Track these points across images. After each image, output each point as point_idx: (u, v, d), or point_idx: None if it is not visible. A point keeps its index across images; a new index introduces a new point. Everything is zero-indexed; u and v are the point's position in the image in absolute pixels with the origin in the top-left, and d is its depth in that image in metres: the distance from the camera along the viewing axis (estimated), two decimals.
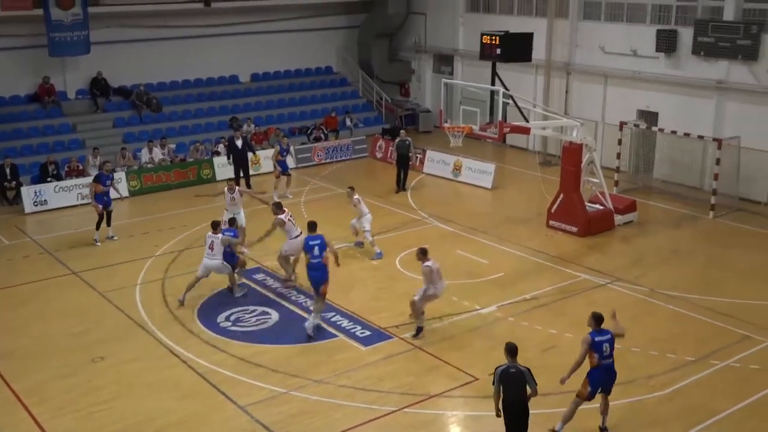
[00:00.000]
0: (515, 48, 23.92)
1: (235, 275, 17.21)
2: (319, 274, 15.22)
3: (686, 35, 24.48)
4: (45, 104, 27.85)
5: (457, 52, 32.81)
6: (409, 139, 25.76)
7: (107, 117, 28.76)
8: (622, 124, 24.70)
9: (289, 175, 24.55)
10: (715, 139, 22.50)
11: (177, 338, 15.17)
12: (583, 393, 11.64)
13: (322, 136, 30.09)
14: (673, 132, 23.71)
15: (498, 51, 23.45)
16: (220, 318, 16.03)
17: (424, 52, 34.73)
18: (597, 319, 11.70)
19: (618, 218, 21.45)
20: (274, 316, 16.19)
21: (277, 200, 18.97)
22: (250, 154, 25.46)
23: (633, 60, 26.21)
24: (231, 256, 16.98)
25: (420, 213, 22.79)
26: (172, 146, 27.08)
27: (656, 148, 25.28)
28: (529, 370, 10.75)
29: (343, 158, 29.36)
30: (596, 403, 11.87)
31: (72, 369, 14.08)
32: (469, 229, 21.32)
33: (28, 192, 23.51)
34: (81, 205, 23.86)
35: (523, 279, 17.83)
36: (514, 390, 10.68)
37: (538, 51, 27.00)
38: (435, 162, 27.46)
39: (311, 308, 16.38)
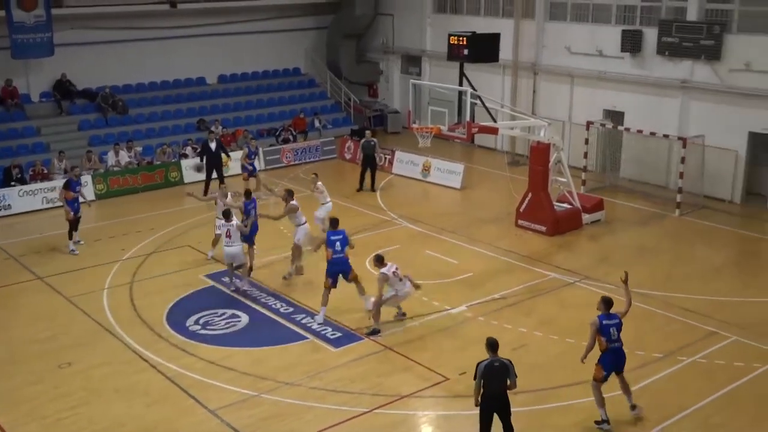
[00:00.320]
0: (482, 48, 24.08)
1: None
2: (341, 269, 15.73)
3: (651, 35, 24.76)
4: (8, 107, 27.42)
5: (425, 53, 32.90)
6: (375, 139, 25.78)
7: (72, 120, 28.41)
8: (588, 124, 24.92)
9: (256, 176, 24.43)
10: (680, 138, 22.78)
11: (145, 342, 15.03)
12: (598, 376, 11.99)
13: (291, 137, 30.01)
14: (639, 131, 23.96)
15: (465, 52, 23.59)
16: (189, 321, 15.91)
17: (392, 53, 34.76)
18: (606, 303, 12.04)
19: (586, 217, 21.63)
20: (244, 318, 16.10)
21: (289, 187, 18.84)
22: (223, 156, 25.32)
23: (599, 60, 26.45)
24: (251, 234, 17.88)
25: (389, 214, 22.80)
26: (139, 149, 26.83)
27: (622, 147, 25.55)
28: (511, 362, 10.94)
29: (312, 159, 29.28)
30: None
31: (38, 375, 13.89)
32: (438, 230, 21.38)
33: None
34: (46, 209, 23.57)
35: (493, 278, 17.91)
36: (497, 383, 10.84)
37: (505, 51, 27.17)
38: (404, 163, 27.49)
39: (282, 310, 16.36)
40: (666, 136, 23.34)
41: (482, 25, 28.77)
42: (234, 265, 17.48)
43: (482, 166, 28.27)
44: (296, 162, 28.83)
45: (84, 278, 18.30)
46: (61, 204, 20.73)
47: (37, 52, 27.14)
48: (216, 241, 18.99)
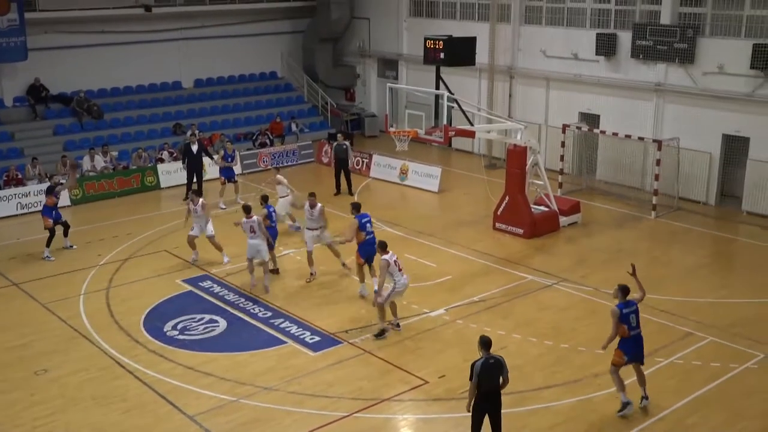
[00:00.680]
0: (459, 52, 24.04)
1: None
2: (374, 249, 15.99)
3: (625, 39, 24.97)
4: None
5: (402, 57, 32.95)
6: (347, 143, 25.78)
7: (47, 125, 28.18)
8: (564, 127, 25.07)
9: (236, 181, 24.34)
10: (655, 141, 22.98)
11: (123, 348, 14.92)
12: (619, 362, 12.34)
13: (268, 141, 29.94)
14: (615, 134, 24.15)
15: (441, 55, 23.54)
16: (167, 327, 15.81)
17: (369, 56, 34.79)
18: (623, 290, 12.32)
19: (563, 219, 21.75)
20: (222, 323, 16.02)
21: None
22: (206, 159, 25.18)
23: (574, 63, 26.64)
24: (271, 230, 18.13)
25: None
26: (115, 154, 26.65)
27: (598, 150, 25.75)
28: (503, 358, 11.05)
29: (290, 163, 29.21)
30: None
31: (14, 383, 13.74)
32: (416, 233, 21.40)
33: None
34: (20, 214, 23.39)
35: (471, 281, 17.96)
36: (491, 380, 10.95)
37: (482, 55, 27.17)
38: (381, 166, 27.51)
39: (260, 315, 16.29)
40: (641, 138, 23.54)
41: (458, 28, 28.79)
42: (256, 260, 17.48)
43: (459, 169, 28.35)
44: (273, 166, 28.69)
45: (60, 284, 18.14)
46: (41, 209, 20.46)
47: (11, 56, 26.92)
48: (191, 243, 18.99)
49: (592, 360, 14.27)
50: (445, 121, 20.11)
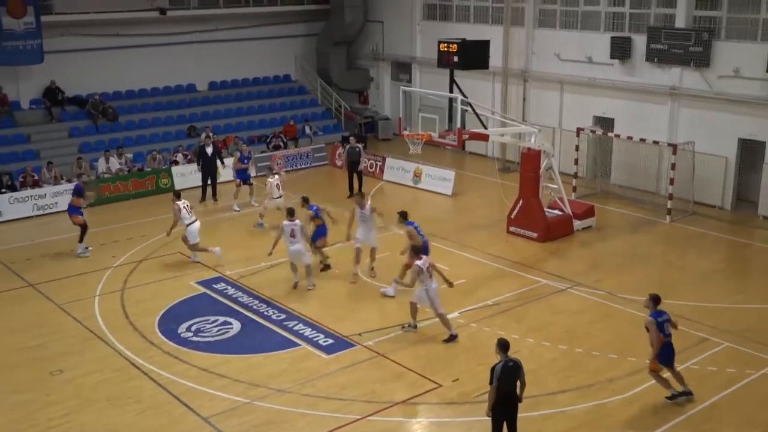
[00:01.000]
0: (472, 55, 24.06)
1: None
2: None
3: (640, 42, 24.88)
4: None
5: (415, 60, 32.96)
6: (359, 145, 25.86)
7: (62, 127, 28.34)
8: (579, 131, 25.00)
9: (251, 184, 24.33)
10: (670, 144, 22.88)
11: (137, 350, 14.98)
12: (658, 367, 12.69)
13: (282, 144, 30.00)
14: (629, 138, 24.05)
15: (455, 58, 23.57)
16: (181, 329, 15.86)
17: (382, 59, 34.82)
18: (655, 300, 12.56)
19: (577, 223, 21.69)
20: (236, 325, 16.06)
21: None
22: (218, 163, 25.29)
23: (588, 67, 26.56)
24: None
25: (380, 220, 22.74)
26: (129, 156, 26.77)
27: (613, 153, 25.65)
28: (521, 361, 11.14)
29: (303, 166, 29.28)
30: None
31: (30, 383, 13.83)
32: (429, 236, 21.25)
33: None
34: (36, 216, 23.55)
35: (484, 285, 17.92)
36: (510, 383, 11.00)
37: (495, 58, 27.18)
38: (395, 169, 27.52)
39: (274, 317, 16.33)
40: (656, 142, 23.44)
41: (472, 32, 28.84)
42: (299, 263, 17.65)
43: (473, 172, 28.31)
44: (287, 169, 28.80)
45: (75, 285, 18.24)
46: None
47: (27, 59, 27.08)
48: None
49: (606, 365, 14.24)
50: (458, 125, 20.09)
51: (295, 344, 15.23)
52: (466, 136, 20.41)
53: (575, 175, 24.96)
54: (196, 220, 19.41)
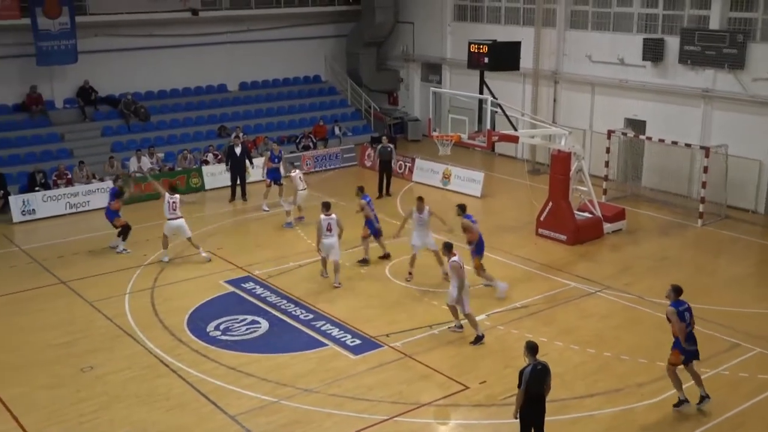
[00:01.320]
0: (503, 57, 23.99)
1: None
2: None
3: (673, 44, 24.64)
4: (32, 114, 27.71)
5: (445, 61, 32.91)
6: (391, 145, 25.98)
7: (95, 126, 28.65)
8: (609, 133, 24.81)
9: (281, 184, 24.34)
10: (702, 147, 22.62)
11: (166, 347, 15.10)
12: (677, 361, 12.51)
13: (311, 144, 30.10)
14: (661, 140, 23.82)
15: (486, 60, 23.51)
16: (210, 327, 15.97)
17: (412, 60, 34.81)
18: (676, 290, 12.50)
19: (607, 226, 21.51)
20: (264, 325, 16.13)
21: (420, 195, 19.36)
22: (247, 163, 25.42)
23: (620, 69, 26.35)
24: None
25: (409, 222, 22.72)
26: (161, 155, 26.99)
27: (644, 156, 25.41)
28: (548, 364, 11.13)
29: (332, 167, 29.37)
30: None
31: (60, 379, 14.00)
32: (458, 238, 21.28)
33: (16, 201, 23.38)
34: (69, 214, 23.82)
35: (513, 287, 17.82)
36: (539, 386, 10.97)
37: (526, 60, 27.09)
38: (424, 171, 27.49)
39: (302, 317, 16.38)
40: (688, 145, 23.18)
41: (503, 33, 28.76)
42: (329, 258, 17.88)
43: (502, 174, 28.21)
44: (316, 169, 28.90)
45: (106, 283, 18.43)
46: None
47: (62, 59, 27.42)
48: None
49: (635, 369, 14.12)
50: (488, 126, 20.03)
51: (323, 344, 15.26)
52: (496, 137, 20.34)
53: (606, 178, 24.77)
54: (178, 218, 19.49)
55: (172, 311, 16.73)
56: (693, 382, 12.80)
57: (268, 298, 17.43)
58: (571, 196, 21.18)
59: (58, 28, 26.80)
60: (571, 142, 21.15)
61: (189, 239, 19.74)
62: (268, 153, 24.71)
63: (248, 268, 19.17)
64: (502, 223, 22.83)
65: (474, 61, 23.98)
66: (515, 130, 22.25)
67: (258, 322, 16.24)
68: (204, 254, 19.68)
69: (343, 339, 15.43)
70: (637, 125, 25.89)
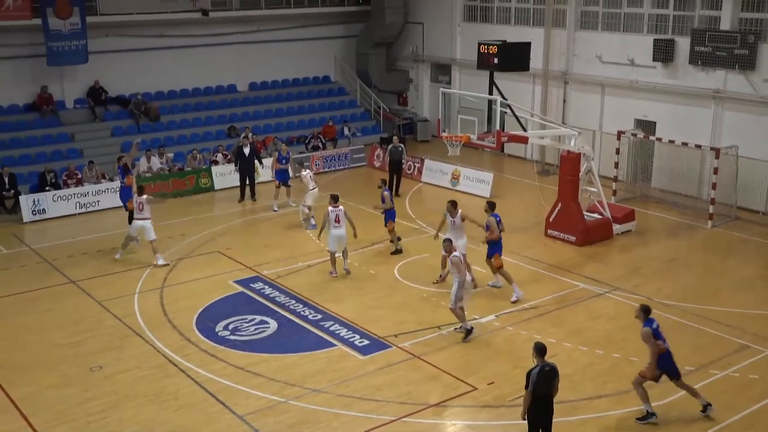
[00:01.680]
0: (513, 57, 23.97)
1: None
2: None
3: (683, 45, 24.56)
4: (43, 113, 27.84)
5: (455, 62, 32.88)
6: (402, 145, 26.00)
7: (105, 126, 28.76)
8: (619, 134, 24.73)
9: (289, 186, 24.33)
10: (712, 149, 22.53)
11: (175, 347, 15.13)
12: (649, 376, 12.29)
13: (320, 145, 30.12)
14: (671, 141, 23.74)
15: (495, 60, 23.50)
16: (219, 327, 16.00)
17: (422, 61, 34.79)
18: (645, 310, 12.37)
19: (616, 227, 21.46)
20: (273, 325, 16.15)
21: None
22: (257, 163, 25.47)
23: (630, 69, 26.27)
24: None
25: (418, 222, 22.79)
26: (170, 155, 27.06)
27: (654, 157, 25.33)
28: (557, 366, 11.12)
29: (341, 167, 29.38)
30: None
31: (69, 378, 14.04)
32: (467, 238, 21.25)
33: (26, 201, 23.48)
34: (79, 214, 23.91)
35: (522, 288, 17.74)
36: (547, 388, 10.95)
37: (536, 60, 27.06)
38: (433, 171, 27.48)
39: (310, 317, 16.40)
40: (698, 146, 23.08)
41: (512, 33, 28.73)
42: (338, 255, 18.51)
43: (512, 175, 28.17)
44: (325, 169, 28.92)
45: (115, 282, 18.49)
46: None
47: (72, 59, 27.54)
48: None
49: None
50: (497, 127, 20.00)
51: (331, 344, 15.27)
52: (505, 138, 20.29)
53: (615, 179, 24.71)
54: (143, 219, 19.40)
55: (181, 311, 16.77)
56: (690, 394, 12.63)
57: (276, 299, 17.45)
58: (581, 197, 21.13)
59: (69, 28, 26.91)
60: (580, 142, 21.10)
61: (152, 242, 19.56)
62: (276, 154, 24.73)
63: (257, 268, 19.20)
64: (511, 223, 22.66)
65: (483, 62, 23.97)
66: (524, 130, 22.20)
67: (267, 322, 16.26)
68: (161, 261, 19.44)
69: (351, 339, 15.44)
70: (647, 126, 25.81)
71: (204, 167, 26.82)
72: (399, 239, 20.25)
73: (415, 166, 27.91)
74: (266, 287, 18.11)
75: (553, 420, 11.16)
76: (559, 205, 21.12)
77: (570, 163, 20.85)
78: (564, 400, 11.91)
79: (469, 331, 15.32)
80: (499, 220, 17.42)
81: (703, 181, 23.83)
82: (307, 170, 22.94)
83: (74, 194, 24.09)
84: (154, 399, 13.32)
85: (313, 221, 22.05)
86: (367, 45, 34.92)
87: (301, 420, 12.65)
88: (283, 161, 24.22)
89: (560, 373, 11.14)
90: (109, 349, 15.15)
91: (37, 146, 26.75)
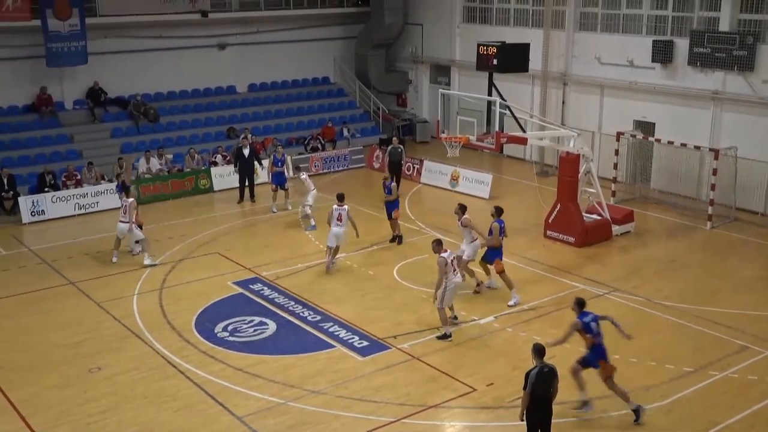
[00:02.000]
0: (512, 58, 24.01)
1: None
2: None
3: (682, 46, 24.57)
4: (42, 114, 27.84)
5: (454, 63, 32.89)
6: (401, 146, 25.99)
7: (105, 127, 28.76)
8: (618, 135, 24.74)
9: (287, 189, 24.17)
10: (711, 150, 22.54)
11: (174, 348, 15.13)
12: (612, 371, 12.47)
13: (319, 146, 30.11)
14: (670, 142, 23.75)
15: (494, 61, 23.53)
16: (218, 328, 15.99)
17: (421, 62, 34.80)
18: (579, 303, 12.67)
19: (615, 228, 21.46)
20: (272, 326, 16.14)
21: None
22: (256, 164, 25.46)
23: (629, 70, 26.29)
24: None
25: (417, 223, 22.79)
26: (170, 156, 27.04)
27: (653, 158, 25.35)
28: (556, 368, 11.14)
29: (340, 168, 29.38)
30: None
31: (68, 379, 14.03)
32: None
33: (25, 202, 23.46)
34: (78, 215, 23.89)
35: (521, 289, 17.76)
36: (545, 389, 10.97)
37: (535, 61, 27.09)
38: (432, 172, 27.48)
39: (309, 318, 16.40)
40: (697, 147, 23.10)
41: (512, 35, 28.74)
42: (337, 246, 18.90)
43: (511, 176, 28.18)
44: (324, 171, 28.92)
45: (115, 283, 18.48)
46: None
47: (72, 60, 27.54)
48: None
49: (644, 372, 14.07)
50: (497, 128, 20.02)
51: (330, 346, 15.27)
52: (505, 139, 20.31)
53: (614, 180, 24.72)
54: (125, 222, 19.48)
55: (180, 312, 16.76)
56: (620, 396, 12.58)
57: (275, 300, 17.45)
58: (580, 198, 21.14)
59: (69, 29, 26.91)
60: (579, 144, 21.11)
61: (139, 242, 19.70)
62: (272, 157, 24.65)
63: (256, 269, 19.20)
64: (511, 225, 22.57)
65: (483, 63, 24.00)
66: (524, 131, 22.22)
67: (266, 324, 16.25)
68: (147, 261, 19.46)
69: (350, 340, 15.44)
70: (646, 127, 25.81)
71: (203, 168, 26.80)
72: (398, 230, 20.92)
73: (414, 167, 27.91)
74: (265, 288, 18.11)
75: (552, 421, 11.15)
76: (558, 206, 21.12)
77: (569, 164, 20.86)
78: (563, 401, 11.90)
79: (446, 336, 15.29)
80: (503, 226, 17.29)
81: (702, 182, 23.84)
82: (304, 173, 22.98)
83: (73, 195, 24.07)
84: (153, 400, 13.31)
85: (312, 222, 22.04)
86: (366, 46, 34.92)
87: (300, 421, 12.65)
88: (279, 164, 24.16)
89: (559, 374, 11.14)
90: (109, 350, 15.14)
91: (37, 147, 26.75)
